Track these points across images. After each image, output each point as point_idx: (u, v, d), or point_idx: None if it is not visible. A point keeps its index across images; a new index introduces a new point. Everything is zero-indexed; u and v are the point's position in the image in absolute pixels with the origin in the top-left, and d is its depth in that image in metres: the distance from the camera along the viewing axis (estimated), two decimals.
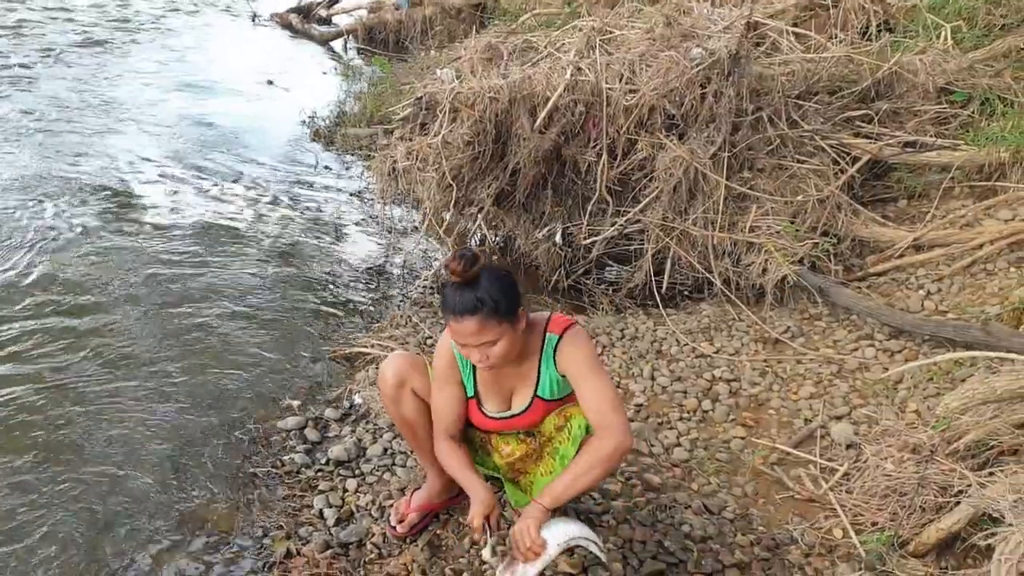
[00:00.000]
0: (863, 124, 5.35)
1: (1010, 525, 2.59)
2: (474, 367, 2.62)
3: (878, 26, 6.08)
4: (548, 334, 2.56)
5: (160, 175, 6.30)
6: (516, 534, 2.42)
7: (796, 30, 5.83)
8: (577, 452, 2.55)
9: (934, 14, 5.98)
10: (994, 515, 2.71)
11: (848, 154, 5.16)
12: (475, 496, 2.56)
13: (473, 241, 5.57)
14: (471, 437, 2.85)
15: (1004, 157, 4.74)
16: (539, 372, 2.61)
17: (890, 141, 5.23)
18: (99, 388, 3.72)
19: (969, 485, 2.90)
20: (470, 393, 2.67)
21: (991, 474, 2.92)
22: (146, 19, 11.31)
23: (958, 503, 2.88)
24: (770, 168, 4.95)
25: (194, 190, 6.09)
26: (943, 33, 5.80)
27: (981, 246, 4.45)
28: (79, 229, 5.19)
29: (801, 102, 5.21)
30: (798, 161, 4.98)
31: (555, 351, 2.56)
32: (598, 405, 2.49)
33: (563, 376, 2.59)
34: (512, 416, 2.69)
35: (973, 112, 5.24)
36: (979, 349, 3.67)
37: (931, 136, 5.21)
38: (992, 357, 3.53)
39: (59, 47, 9.35)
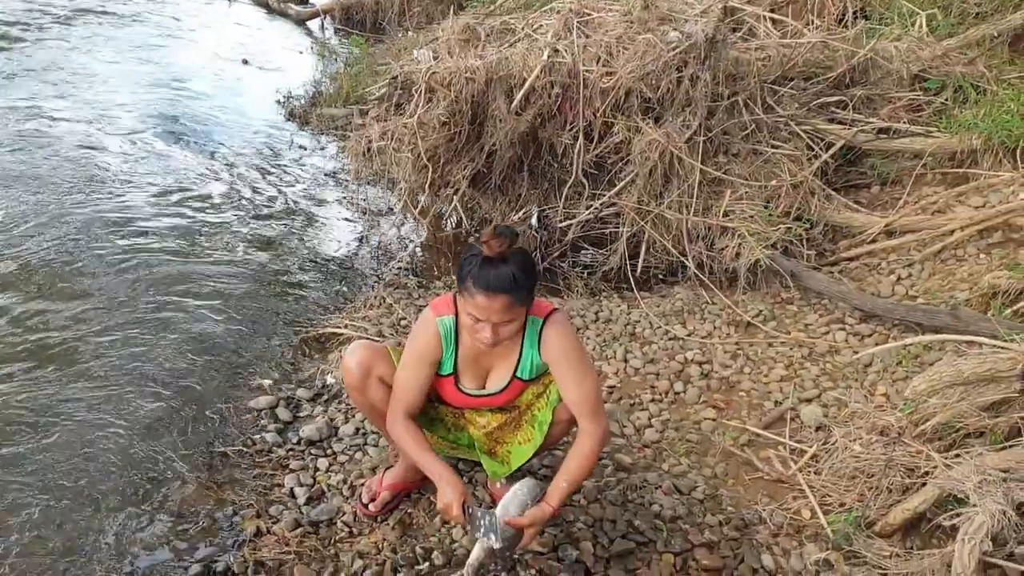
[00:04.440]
0: (837, 110, 5.38)
1: (974, 506, 2.62)
2: (457, 345, 2.62)
3: (854, 13, 6.11)
4: (530, 316, 2.57)
5: (131, 154, 6.21)
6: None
7: (773, 16, 5.85)
8: (553, 419, 2.69)
9: (909, 2, 6.01)
10: (959, 496, 2.74)
11: (822, 140, 5.19)
12: (445, 480, 2.48)
13: (449, 223, 5.55)
14: (442, 415, 2.85)
15: (976, 144, 4.79)
16: (521, 353, 2.62)
17: (864, 127, 5.26)
18: (67, 367, 3.67)
19: (935, 466, 2.93)
20: (449, 370, 2.66)
21: (957, 456, 2.95)
22: None
23: (924, 484, 2.92)
24: (745, 153, 4.97)
25: (165, 169, 6.00)
26: (918, 21, 5.84)
27: (952, 232, 4.50)
28: (47, 209, 5.10)
29: (776, 87, 5.24)
30: (772, 146, 5.01)
31: (539, 336, 2.57)
32: (581, 400, 2.56)
33: (544, 361, 2.61)
34: (489, 395, 2.70)
35: (946, 99, 5.28)
36: (948, 333, 3.72)
37: (904, 123, 5.25)
38: (960, 341, 3.57)
39: (25, 23, 9.17)
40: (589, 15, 5.25)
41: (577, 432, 2.61)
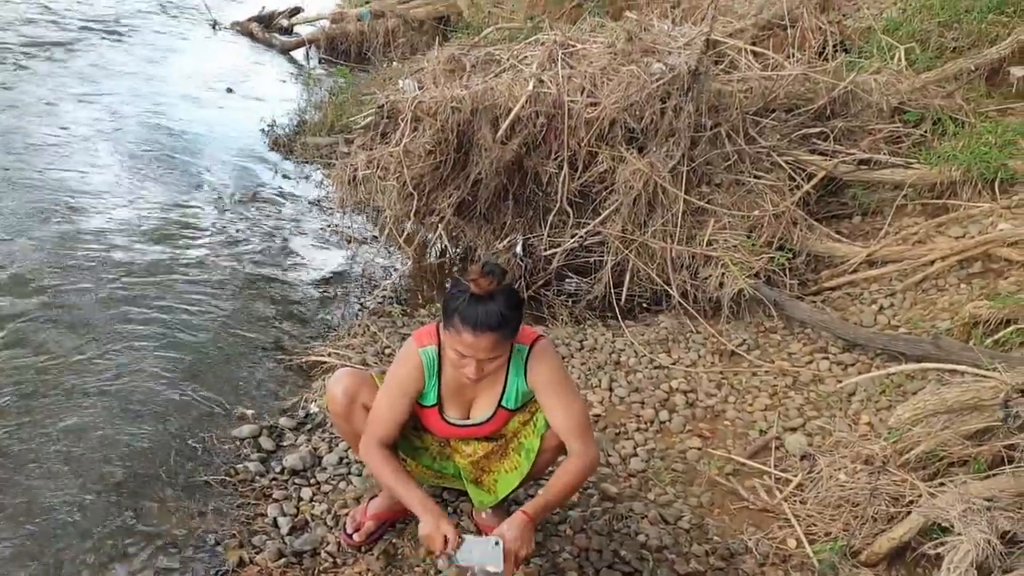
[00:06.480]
0: (819, 141, 5.44)
1: (959, 534, 2.63)
2: (440, 376, 2.60)
3: (834, 46, 6.20)
4: (516, 344, 2.55)
5: (114, 182, 6.18)
6: (516, 545, 2.39)
7: (754, 48, 5.93)
8: (541, 446, 2.64)
9: (888, 36, 6.11)
10: (944, 525, 2.75)
11: (804, 171, 5.25)
12: (428, 509, 2.44)
13: (433, 251, 5.55)
14: (427, 444, 2.83)
15: (955, 176, 4.86)
16: (506, 383, 2.61)
17: (845, 158, 5.33)
18: (46, 395, 3.62)
19: (920, 495, 2.95)
20: (433, 401, 2.64)
21: (941, 484, 2.97)
22: (102, 23, 11.12)
23: (909, 513, 2.93)
24: (728, 183, 5.01)
25: (149, 198, 5.98)
26: (897, 54, 5.93)
27: (932, 262, 4.54)
28: (28, 236, 5.07)
29: (758, 119, 5.30)
30: (755, 176, 5.06)
31: (525, 364, 2.56)
32: (570, 425, 2.54)
33: (530, 389, 2.60)
34: (475, 425, 2.69)
35: (926, 131, 5.36)
36: (930, 362, 3.74)
37: (885, 154, 5.31)
38: (943, 370, 3.60)
39: (6, 50, 9.14)
40: (574, 47, 5.30)
41: (566, 457, 2.60)
